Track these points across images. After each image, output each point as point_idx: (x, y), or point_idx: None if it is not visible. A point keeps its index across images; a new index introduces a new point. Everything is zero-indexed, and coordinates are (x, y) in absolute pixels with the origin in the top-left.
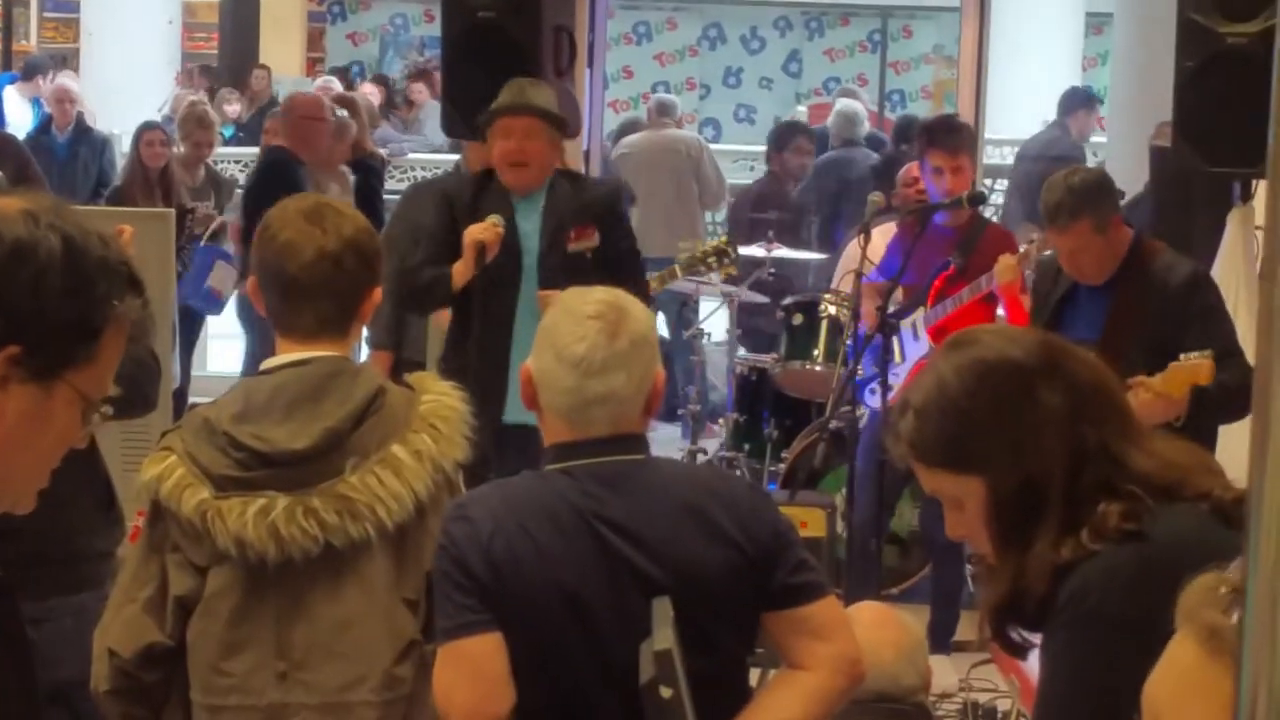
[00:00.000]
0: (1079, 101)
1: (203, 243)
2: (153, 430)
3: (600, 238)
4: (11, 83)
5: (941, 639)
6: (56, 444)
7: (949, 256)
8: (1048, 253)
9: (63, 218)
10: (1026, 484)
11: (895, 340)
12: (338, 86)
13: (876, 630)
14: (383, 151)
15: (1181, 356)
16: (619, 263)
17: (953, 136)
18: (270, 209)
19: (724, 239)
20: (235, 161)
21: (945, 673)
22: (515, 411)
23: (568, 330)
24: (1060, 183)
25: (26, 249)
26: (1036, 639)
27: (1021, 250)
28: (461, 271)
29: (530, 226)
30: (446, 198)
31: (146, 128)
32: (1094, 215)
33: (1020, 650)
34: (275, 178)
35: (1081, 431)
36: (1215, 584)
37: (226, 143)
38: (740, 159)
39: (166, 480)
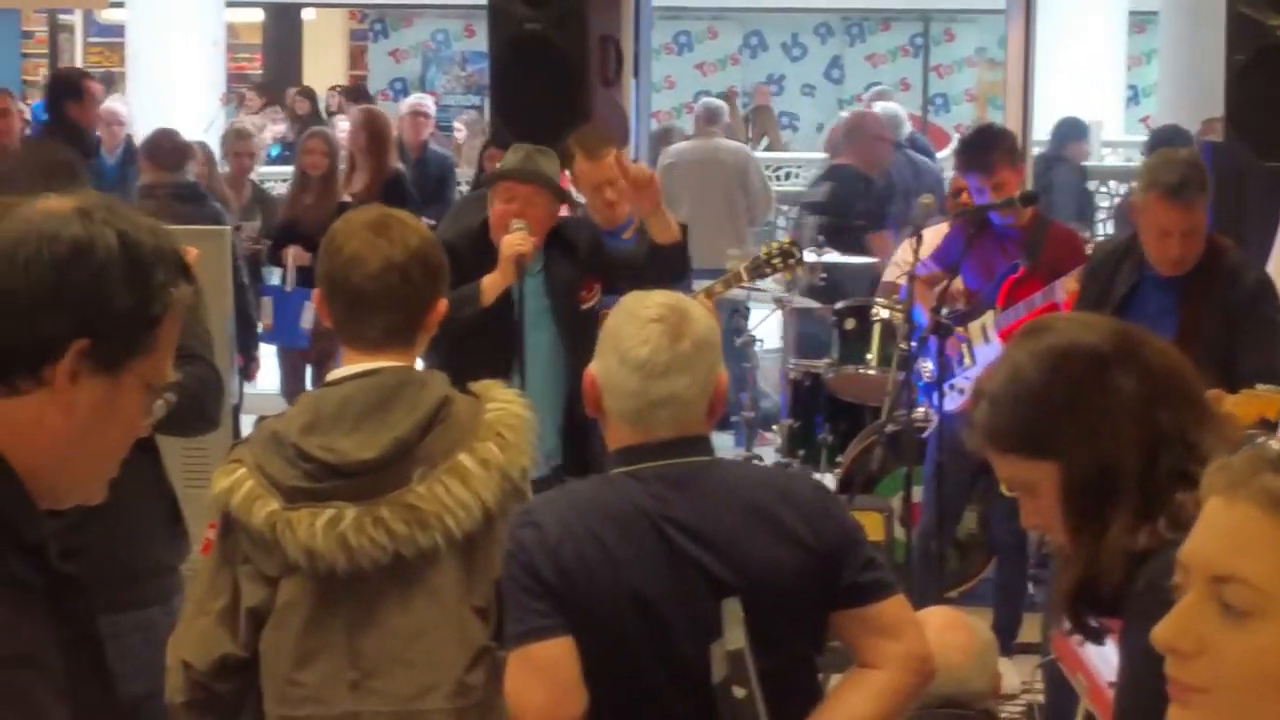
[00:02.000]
0: None
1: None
2: (211, 446)
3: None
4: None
5: (1004, 641)
6: (125, 433)
7: (1016, 259)
8: (1104, 239)
9: (114, 213)
10: (1101, 469)
11: (964, 344)
12: (429, 105)
13: (944, 634)
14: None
15: (1258, 387)
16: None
17: (984, 156)
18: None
19: (788, 239)
20: (282, 180)
21: (1008, 674)
22: None
23: (630, 334)
24: (1176, 161)
25: (85, 246)
26: (1113, 624)
27: None
28: (498, 282)
29: (529, 288)
30: (450, 248)
31: None
32: (1207, 191)
33: (1097, 635)
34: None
35: (1156, 417)
36: (1258, 454)
37: (272, 161)
38: (784, 166)
39: (237, 492)
